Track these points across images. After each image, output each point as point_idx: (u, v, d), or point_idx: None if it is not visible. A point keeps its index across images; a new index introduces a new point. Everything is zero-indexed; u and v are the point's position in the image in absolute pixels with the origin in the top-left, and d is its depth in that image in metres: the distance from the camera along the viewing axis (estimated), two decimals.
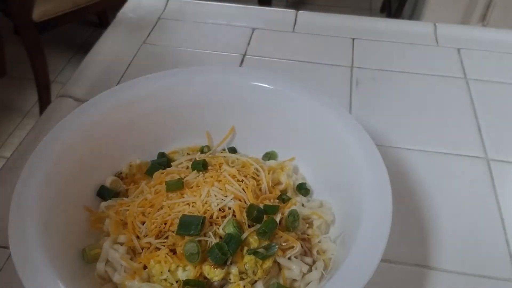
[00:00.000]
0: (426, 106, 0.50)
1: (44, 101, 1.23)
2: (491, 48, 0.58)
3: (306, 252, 0.33)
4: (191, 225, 0.30)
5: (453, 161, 0.44)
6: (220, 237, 0.31)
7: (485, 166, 0.43)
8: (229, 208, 0.32)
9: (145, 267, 0.31)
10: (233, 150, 0.41)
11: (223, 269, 0.30)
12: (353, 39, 0.60)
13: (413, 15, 1.40)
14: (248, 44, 0.58)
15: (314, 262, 0.33)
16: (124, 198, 0.36)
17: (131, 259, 0.32)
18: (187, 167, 0.36)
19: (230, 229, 0.31)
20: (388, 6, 1.69)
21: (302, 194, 0.37)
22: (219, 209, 0.32)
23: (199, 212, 0.31)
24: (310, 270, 0.32)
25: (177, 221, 0.31)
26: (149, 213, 0.32)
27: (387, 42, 0.59)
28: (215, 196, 0.32)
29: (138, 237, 0.32)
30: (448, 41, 0.59)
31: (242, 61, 0.55)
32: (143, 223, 0.32)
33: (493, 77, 0.54)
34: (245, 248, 0.31)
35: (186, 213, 0.31)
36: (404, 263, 0.36)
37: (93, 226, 0.35)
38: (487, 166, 0.43)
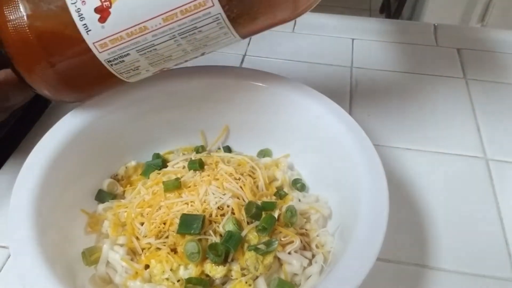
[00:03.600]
0: (426, 106, 0.50)
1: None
2: (491, 48, 0.58)
3: (305, 246, 0.33)
4: (192, 224, 0.30)
5: (452, 161, 0.44)
6: (220, 235, 0.31)
7: (484, 166, 0.43)
8: (228, 206, 0.32)
9: (146, 268, 0.31)
10: (227, 149, 0.41)
11: (224, 266, 0.30)
12: (353, 39, 0.60)
13: (413, 16, 1.40)
14: (248, 44, 0.58)
15: (313, 256, 0.33)
16: (122, 200, 0.36)
17: (131, 260, 0.32)
18: (184, 167, 0.36)
19: (230, 227, 0.31)
20: (388, 7, 1.69)
21: (298, 190, 0.38)
22: (218, 208, 0.32)
23: (198, 211, 0.31)
24: (310, 264, 0.32)
25: (176, 220, 0.31)
26: (147, 214, 0.32)
27: (387, 42, 0.60)
28: (213, 194, 0.32)
29: (137, 238, 0.32)
30: (447, 41, 0.60)
31: (242, 61, 0.55)
32: (142, 224, 0.32)
33: (492, 77, 0.54)
34: (246, 245, 0.31)
35: (185, 212, 0.31)
36: (403, 262, 0.36)
37: (92, 229, 0.35)
38: (486, 166, 0.43)
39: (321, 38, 0.60)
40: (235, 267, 0.30)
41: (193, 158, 0.37)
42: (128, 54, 0.30)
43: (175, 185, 0.33)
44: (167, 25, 0.28)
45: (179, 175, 0.35)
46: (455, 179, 0.42)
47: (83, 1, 0.28)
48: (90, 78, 0.32)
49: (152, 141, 0.40)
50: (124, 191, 0.37)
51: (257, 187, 0.35)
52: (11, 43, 0.29)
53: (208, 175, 0.34)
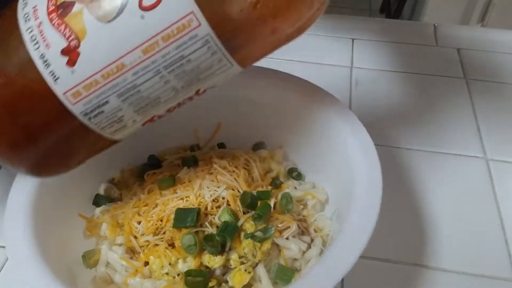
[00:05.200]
0: (426, 106, 0.50)
1: None
2: (491, 48, 0.58)
3: (304, 231, 0.33)
4: (186, 217, 0.30)
5: (452, 161, 0.44)
6: (217, 226, 0.31)
7: (484, 166, 0.43)
8: (223, 198, 0.32)
9: (145, 264, 0.31)
10: (222, 146, 0.41)
11: (222, 256, 0.30)
12: (353, 40, 0.60)
13: (413, 16, 1.40)
14: None
15: (312, 240, 0.33)
16: (119, 202, 0.36)
17: (130, 258, 0.32)
18: (178, 165, 0.36)
19: (226, 217, 0.31)
20: (388, 7, 1.69)
21: (294, 179, 0.37)
22: (213, 200, 0.32)
23: (193, 205, 0.31)
24: (309, 248, 0.32)
25: (173, 216, 0.31)
26: (144, 212, 0.32)
27: (387, 42, 0.59)
28: (208, 188, 0.32)
29: (135, 237, 0.32)
30: (447, 41, 0.60)
31: None
32: (139, 222, 0.32)
33: (492, 77, 0.54)
34: (242, 234, 0.31)
35: (181, 207, 0.31)
36: (403, 262, 0.36)
37: (90, 233, 0.34)
38: (486, 166, 0.43)
39: (321, 38, 0.60)
40: (233, 256, 0.30)
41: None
42: (107, 102, 0.24)
43: (170, 182, 0.33)
44: (148, 58, 0.23)
45: (173, 173, 0.35)
46: (455, 179, 0.42)
47: (47, 44, 0.23)
48: (67, 142, 0.26)
49: (147, 143, 0.40)
50: (121, 194, 0.37)
51: (252, 178, 0.35)
52: None
53: (202, 170, 0.34)
